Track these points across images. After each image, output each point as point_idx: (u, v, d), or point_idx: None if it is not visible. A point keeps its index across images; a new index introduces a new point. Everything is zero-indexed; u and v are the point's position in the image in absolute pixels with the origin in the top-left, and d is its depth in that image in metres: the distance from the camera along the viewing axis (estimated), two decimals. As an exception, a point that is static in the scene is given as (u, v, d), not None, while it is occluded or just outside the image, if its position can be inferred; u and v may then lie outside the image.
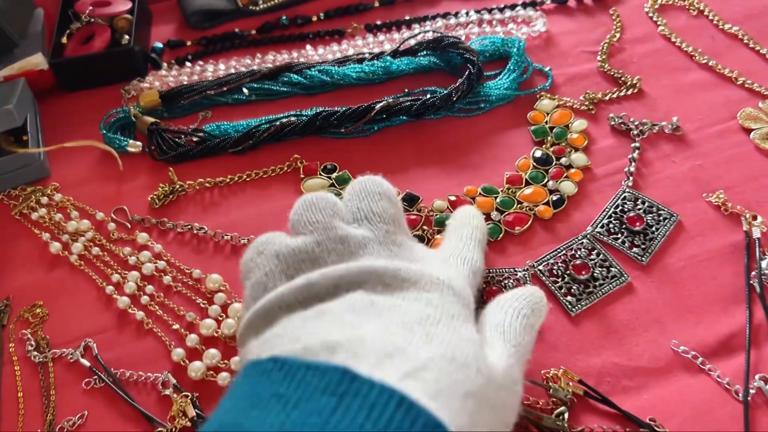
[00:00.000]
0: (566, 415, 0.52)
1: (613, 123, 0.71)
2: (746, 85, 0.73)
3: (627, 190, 0.65)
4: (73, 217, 0.69)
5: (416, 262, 0.41)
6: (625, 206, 0.64)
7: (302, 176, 0.71)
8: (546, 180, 0.67)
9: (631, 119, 0.71)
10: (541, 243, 0.63)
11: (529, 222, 0.64)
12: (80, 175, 0.74)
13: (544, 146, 0.70)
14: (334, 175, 0.70)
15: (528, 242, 0.63)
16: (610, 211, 0.64)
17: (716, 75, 0.75)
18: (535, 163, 0.69)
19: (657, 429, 0.51)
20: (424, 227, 0.65)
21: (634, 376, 0.54)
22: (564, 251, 0.61)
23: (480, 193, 0.67)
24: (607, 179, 0.67)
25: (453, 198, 0.66)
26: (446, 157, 0.71)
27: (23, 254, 0.68)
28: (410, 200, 0.67)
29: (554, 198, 0.66)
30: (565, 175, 0.67)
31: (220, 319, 0.60)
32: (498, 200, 0.66)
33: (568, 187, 0.66)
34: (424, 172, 0.70)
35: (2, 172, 0.71)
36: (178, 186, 0.70)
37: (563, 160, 0.68)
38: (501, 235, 0.63)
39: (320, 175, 0.70)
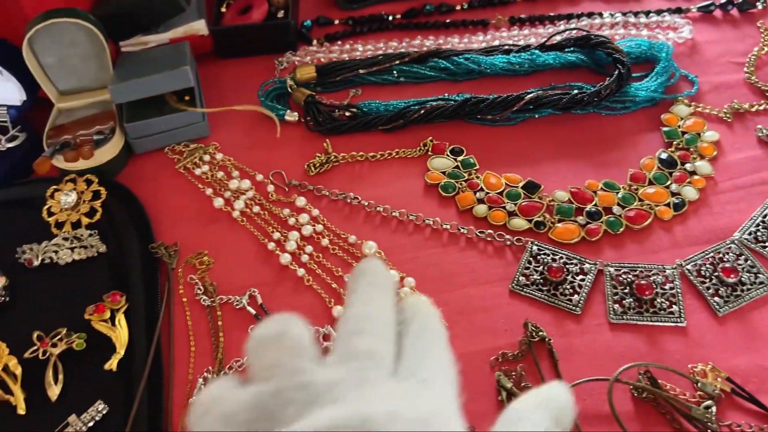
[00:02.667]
0: (714, 409, 0.54)
1: (760, 134, 0.72)
2: None
3: (776, 200, 0.66)
4: (234, 176, 0.73)
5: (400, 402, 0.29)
6: (776, 212, 0.65)
7: (429, 154, 0.74)
8: (669, 182, 0.69)
9: (780, 131, 0.72)
10: (659, 242, 0.65)
11: (649, 220, 0.66)
12: (237, 138, 0.79)
13: (670, 149, 0.72)
14: (460, 158, 0.73)
15: (645, 240, 0.65)
16: (758, 220, 0.65)
17: None
18: (659, 165, 0.70)
19: (805, 431, 0.52)
20: (545, 215, 0.67)
21: (782, 379, 0.56)
22: (712, 254, 0.63)
23: (601, 188, 0.69)
24: (740, 191, 0.68)
25: (574, 190, 0.69)
26: (573, 151, 0.73)
27: (188, 206, 0.73)
28: (531, 188, 0.69)
29: (675, 201, 0.67)
30: (688, 180, 0.69)
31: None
32: (619, 195, 0.68)
33: (690, 193, 0.68)
34: (550, 163, 0.73)
35: (169, 128, 0.76)
36: (332, 156, 0.74)
37: (687, 166, 0.70)
38: (621, 229, 0.65)
39: (447, 155, 0.74)
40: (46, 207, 0.71)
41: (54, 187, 0.72)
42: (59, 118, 0.78)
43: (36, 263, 0.68)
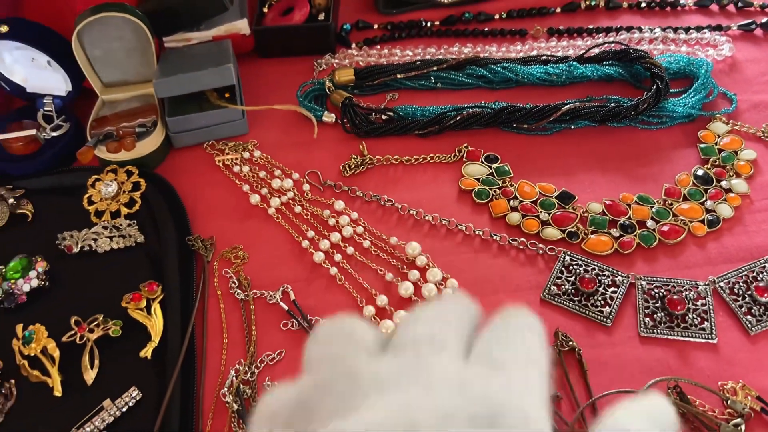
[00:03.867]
0: (743, 428, 0.54)
1: (797, 154, 0.72)
2: None
3: (814, 222, 0.66)
4: (276, 175, 0.74)
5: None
6: (810, 236, 0.65)
7: (464, 160, 0.75)
8: (704, 199, 0.69)
9: (819, 153, 0.71)
10: (692, 258, 0.65)
11: (683, 235, 0.66)
12: (275, 137, 0.80)
13: (706, 166, 0.72)
14: (494, 165, 0.74)
15: (678, 255, 0.65)
16: (795, 241, 0.65)
17: None
18: (695, 181, 0.70)
19: (836, 454, 0.52)
20: (579, 225, 0.67)
21: (812, 401, 0.55)
22: (746, 272, 0.63)
23: (635, 201, 0.69)
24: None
25: (608, 202, 0.69)
26: (608, 163, 0.74)
27: (224, 201, 0.74)
28: (565, 198, 0.70)
29: (710, 217, 0.67)
30: (723, 197, 0.69)
31: (419, 284, 0.64)
32: (654, 210, 0.68)
33: (725, 210, 0.68)
34: (585, 175, 0.73)
35: (208, 124, 0.78)
36: (367, 158, 0.75)
37: (723, 183, 0.70)
38: (654, 243, 0.66)
39: (482, 162, 0.74)
40: (87, 196, 0.73)
41: (95, 176, 0.74)
42: (102, 109, 0.80)
43: (75, 250, 0.69)
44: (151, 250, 0.70)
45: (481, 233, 0.68)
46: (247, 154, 0.77)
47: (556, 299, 0.63)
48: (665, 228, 0.66)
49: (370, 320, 0.63)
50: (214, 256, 0.69)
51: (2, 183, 0.75)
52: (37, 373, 0.61)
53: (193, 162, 0.78)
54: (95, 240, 0.70)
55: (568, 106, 0.75)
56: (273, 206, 0.72)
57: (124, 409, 0.58)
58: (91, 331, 0.62)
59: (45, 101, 0.79)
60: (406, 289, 0.64)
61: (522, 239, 0.67)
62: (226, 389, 0.59)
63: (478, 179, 0.73)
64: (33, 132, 0.76)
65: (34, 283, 0.66)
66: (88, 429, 0.57)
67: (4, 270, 0.67)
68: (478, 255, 0.67)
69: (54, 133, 0.77)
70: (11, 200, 0.73)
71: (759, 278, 0.62)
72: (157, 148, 0.76)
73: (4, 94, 0.82)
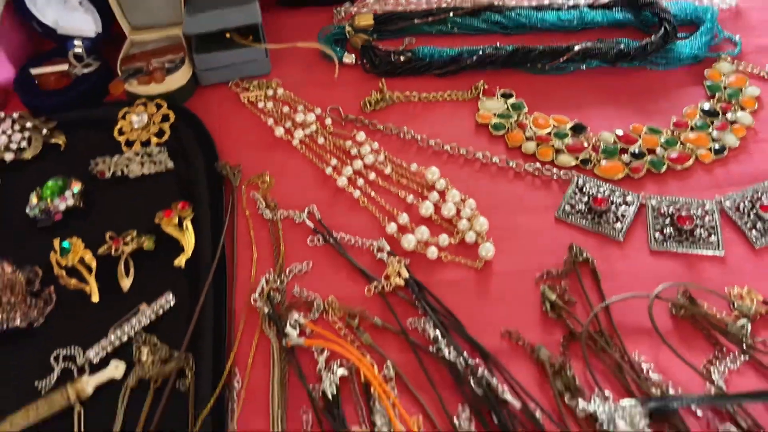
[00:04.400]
0: (749, 327, 0.57)
1: (800, 91, 0.75)
2: None
3: (816, 149, 0.69)
4: (299, 110, 0.77)
5: None
6: (812, 162, 0.68)
7: (481, 97, 0.78)
8: (711, 129, 0.72)
9: (820, 90, 0.75)
10: (700, 183, 0.68)
11: (690, 161, 0.69)
12: (297, 77, 0.83)
13: (712, 101, 0.75)
14: (510, 101, 0.77)
15: (688, 180, 0.69)
16: (798, 165, 0.68)
17: None
18: (702, 114, 0.74)
19: (837, 350, 0.55)
20: (591, 153, 0.71)
21: (814, 306, 0.58)
22: (751, 193, 0.66)
23: (645, 132, 0.72)
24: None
25: (620, 133, 0.72)
26: (619, 100, 0.77)
27: (250, 134, 0.77)
28: (578, 129, 0.73)
29: (716, 146, 0.70)
30: (729, 129, 0.72)
31: (439, 205, 0.67)
32: (663, 139, 0.71)
33: (730, 140, 0.71)
34: (597, 110, 0.76)
35: (233, 62, 0.81)
36: (387, 95, 0.78)
37: (729, 116, 0.73)
38: (664, 169, 0.69)
39: (498, 99, 0.77)
40: (118, 127, 0.76)
41: (126, 109, 0.77)
42: (131, 49, 0.83)
43: (108, 175, 0.72)
44: (181, 175, 0.72)
45: (497, 161, 0.71)
46: (270, 92, 0.80)
47: (569, 218, 0.66)
48: (674, 155, 0.70)
49: (393, 236, 0.66)
50: (242, 181, 0.72)
51: (36, 116, 0.77)
52: (75, 281, 0.63)
53: (219, 99, 0.81)
54: (127, 165, 0.72)
55: (580, 46, 0.78)
56: (297, 138, 0.75)
57: (160, 312, 0.61)
58: (126, 244, 0.65)
59: (75, 42, 0.82)
60: (426, 208, 0.67)
61: (537, 165, 0.70)
62: (257, 295, 0.62)
63: (494, 114, 0.76)
64: (65, 67, 0.79)
65: (70, 202, 0.69)
66: (125, 328, 0.59)
67: (40, 190, 0.69)
68: (495, 180, 0.71)
69: (85, 70, 0.80)
70: (44, 131, 0.76)
71: (763, 198, 0.65)
72: (185, 84, 0.79)
73: (37, 37, 0.85)
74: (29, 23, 0.83)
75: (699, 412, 0.53)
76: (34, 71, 0.79)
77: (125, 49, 0.82)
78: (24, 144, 0.75)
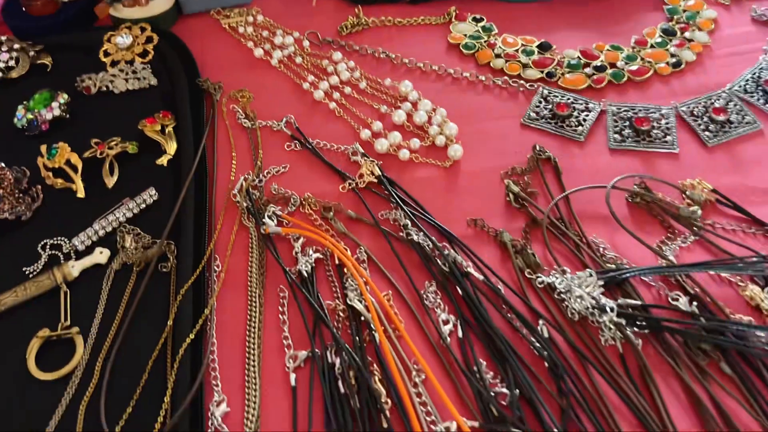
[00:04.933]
0: (699, 212, 0.61)
1: (754, 14, 0.79)
2: None
3: (764, 61, 0.73)
4: (278, 34, 0.81)
5: None
6: (763, 74, 0.72)
7: (453, 21, 0.81)
8: (669, 46, 0.76)
9: (773, 12, 0.79)
10: (658, 93, 0.72)
11: (649, 74, 0.73)
12: (277, 5, 0.86)
13: (671, 23, 0.79)
14: (480, 24, 0.80)
15: (647, 90, 0.73)
16: (748, 76, 0.72)
17: None
18: (661, 33, 0.78)
19: (779, 229, 0.59)
20: (556, 67, 0.75)
21: (759, 195, 0.62)
22: (705, 100, 0.70)
23: (607, 49, 0.76)
24: (734, 57, 0.75)
25: (582, 48, 0.76)
26: (584, 23, 0.81)
27: (230, 56, 0.80)
28: (544, 47, 0.77)
29: (674, 60, 0.74)
30: (686, 45, 0.76)
31: (411, 113, 0.70)
32: (624, 55, 0.75)
33: (687, 55, 0.75)
34: (564, 32, 0.81)
35: (215, -11, 0.84)
36: (363, 20, 0.81)
37: (686, 34, 0.77)
38: (624, 80, 0.73)
39: (469, 22, 0.81)
40: (103, 49, 0.79)
41: (110, 32, 0.80)
42: (116, -20, 0.85)
43: (93, 90, 0.75)
44: (164, 91, 0.75)
45: (468, 75, 0.75)
46: (251, 18, 0.83)
47: (535, 122, 0.70)
48: (634, 67, 0.73)
49: (367, 142, 0.69)
50: (222, 96, 0.75)
51: (24, 39, 0.80)
52: (61, 181, 0.66)
53: (202, 26, 0.84)
54: (112, 81, 0.75)
55: (547, -27, 0.81)
56: (276, 58, 0.78)
57: (143, 205, 0.64)
58: (111, 148, 0.68)
59: (61, -27, 0.84)
60: (398, 116, 0.70)
61: (505, 78, 0.74)
62: (236, 191, 0.65)
63: (465, 35, 0.79)
64: (52, -8, 0.82)
65: (56, 112, 0.71)
66: (110, 219, 0.62)
67: (28, 103, 0.72)
68: (465, 93, 0.74)
69: (71, -3, 0.83)
70: (32, 52, 0.78)
71: (716, 104, 0.69)
72: (169, 9, 0.82)
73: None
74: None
75: (651, 282, 0.57)
76: (22, -4, 0.82)
77: (110, -22, 0.84)
78: (12, 63, 0.77)
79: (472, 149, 0.68)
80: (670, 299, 0.55)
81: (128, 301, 0.58)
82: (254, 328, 0.56)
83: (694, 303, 0.54)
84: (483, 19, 0.81)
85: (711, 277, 0.57)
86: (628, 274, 0.56)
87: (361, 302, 0.56)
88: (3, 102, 0.75)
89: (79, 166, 0.67)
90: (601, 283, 0.55)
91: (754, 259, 0.56)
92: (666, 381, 0.51)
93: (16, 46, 0.78)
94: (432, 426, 0.49)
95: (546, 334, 0.53)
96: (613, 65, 0.74)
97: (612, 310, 0.53)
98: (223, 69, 0.78)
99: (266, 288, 0.59)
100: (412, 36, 0.81)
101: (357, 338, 0.54)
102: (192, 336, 0.54)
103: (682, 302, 0.54)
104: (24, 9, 0.82)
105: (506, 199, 0.64)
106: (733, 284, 0.56)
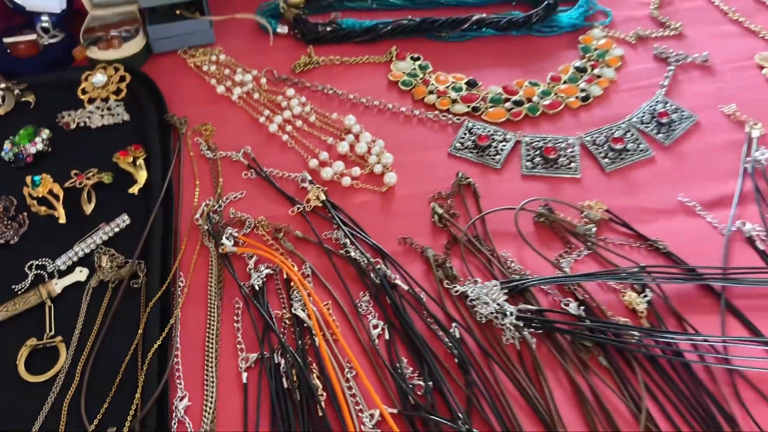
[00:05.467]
0: (594, 229, 0.71)
1: (656, 52, 0.91)
2: (766, 38, 0.92)
3: (660, 95, 0.84)
4: (238, 72, 0.91)
5: None
6: (657, 107, 0.83)
7: (393, 60, 0.92)
8: (580, 82, 0.87)
9: (671, 50, 0.90)
10: (569, 124, 0.83)
11: (561, 107, 0.84)
12: (237, 45, 0.96)
13: (583, 60, 0.90)
14: (417, 62, 0.91)
15: (558, 122, 0.84)
16: (645, 108, 0.83)
17: (744, 29, 0.94)
18: (574, 70, 0.89)
19: (659, 244, 0.70)
20: (481, 102, 0.85)
21: (648, 214, 0.73)
22: (606, 130, 0.81)
23: (526, 85, 0.87)
24: (636, 91, 0.87)
25: (504, 85, 0.87)
26: (508, 61, 0.92)
27: (195, 92, 0.90)
28: (472, 84, 0.88)
29: (583, 95, 0.85)
30: (595, 81, 0.87)
31: (353, 144, 0.81)
32: (540, 90, 0.86)
33: (595, 90, 0.86)
34: (490, 70, 0.91)
35: (182, 32, 0.94)
36: (314, 59, 0.92)
37: (596, 71, 0.88)
38: (539, 113, 0.84)
39: (408, 61, 0.91)
40: (81, 87, 0.88)
41: (88, 72, 0.89)
42: (91, 23, 0.95)
43: (72, 126, 0.85)
44: (136, 125, 0.85)
45: (404, 110, 0.86)
46: (214, 57, 0.93)
47: (459, 152, 0.80)
48: (547, 102, 0.84)
49: (314, 170, 0.79)
50: (188, 130, 0.85)
51: (9, 79, 0.89)
52: (45, 209, 0.76)
53: (170, 64, 0.94)
54: (89, 117, 0.85)
55: (476, 17, 0.92)
56: (236, 94, 0.88)
57: (117, 230, 0.74)
58: (88, 179, 0.78)
59: (42, 18, 0.94)
60: (342, 147, 0.81)
61: (436, 113, 0.85)
62: (198, 215, 0.75)
63: (404, 73, 0.90)
64: (34, 36, 0.91)
65: (40, 146, 0.81)
66: (88, 242, 0.72)
67: (13, 138, 0.81)
68: (402, 126, 0.85)
69: (51, 41, 0.92)
70: (17, 91, 0.88)
71: (615, 134, 0.80)
72: (140, 50, 0.91)
73: (8, 12, 0.96)
74: (2, 1, 0.94)
75: (548, 290, 0.67)
76: (7, 40, 0.91)
77: (86, 23, 0.94)
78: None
79: (405, 176, 0.78)
80: (562, 304, 0.66)
81: (104, 313, 0.67)
82: (213, 335, 0.66)
83: (582, 307, 0.65)
84: (420, 58, 0.91)
85: (598, 285, 0.68)
86: (528, 284, 0.67)
87: (304, 311, 0.66)
88: (-9, 137, 0.84)
89: (61, 195, 0.76)
90: (505, 291, 0.66)
91: (635, 269, 0.67)
92: (555, 373, 0.62)
93: (2, 85, 0.87)
94: (359, 413, 0.60)
95: (458, 335, 0.64)
96: (530, 100, 0.85)
97: (512, 314, 0.64)
98: (189, 104, 0.88)
99: (224, 300, 0.69)
100: (357, 73, 0.91)
101: (299, 342, 0.64)
102: (159, 342, 0.64)
103: (572, 307, 0.65)
104: (8, 51, 0.91)
105: (432, 220, 0.74)
106: (616, 291, 0.67)
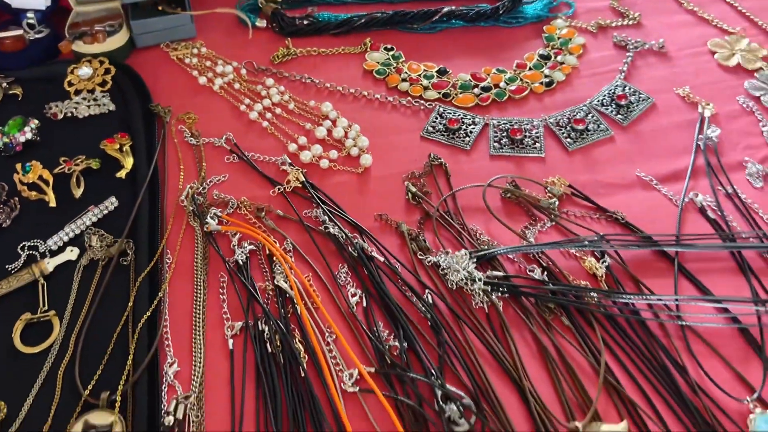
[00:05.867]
0: (556, 202, 0.76)
1: (615, 40, 0.96)
2: (718, 26, 0.98)
3: (619, 80, 0.90)
4: (219, 63, 0.95)
5: None
6: (616, 90, 0.88)
7: (368, 51, 0.96)
8: (544, 68, 0.92)
9: (629, 38, 0.96)
10: (534, 108, 0.88)
11: (526, 92, 0.90)
12: (218, 38, 1.00)
13: (547, 48, 0.95)
14: (391, 53, 0.96)
15: (524, 106, 0.89)
16: (605, 92, 0.88)
17: (698, 18, 1.00)
18: (538, 57, 0.94)
19: (618, 215, 0.75)
20: (451, 89, 0.90)
21: (608, 189, 0.78)
22: (569, 112, 0.86)
23: (494, 72, 0.92)
24: (596, 76, 0.92)
25: (473, 72, 0.92)
26: (477, 51, 0.97)
27: (178, 84, 0.94)
28: (442, 72, 0.92)
29: (547, 80, 0.91)
30: (558, 68, 0.92)
31: (331, 129, 0.85)
32: (506, 76, 0.91)
33: (558, 76, 0.92)
34: (459, 59, 0.96)
35: (164, 27, 0.97)
36: (292, 51, 0.96)
37: (559, 58, 0.94)
38: (505, 98, 0.89)
39: (381, 51, 0.96)
40: (67, 80, 0.92)
41: (73, 65, 0.93)
42: (76, 18, 0.98)
43: (60, 116, 0.88)
44: (121, 115, 0.88)
45: (379, 96, 0.90)
46: (196, 50, 0.97)
47: (431, 135, 0.85)
48: (513, 87, 0.89)
49: (294, 154, 0.83)
50: (171, 118, 0.89)
51: (-5, 73, 0.92)
52: (35, 194, 0.79)
53: (153, 58, 0.97)
54: (76, 108, 0.88)
55: (446, 9, 0.97)
56: (217, 84, 0.92)
57: (105, 212, 0.77)
58: (77, 165, 0.81)
59: (28, 15, 0.97)
60: (320, 132, 0.85)
61: (409, 99, 0.89)
62: (183, 197, 0.78)
63: (378, 63, 0.94)
64: (20, 32, 0.94)
65: (29, 135, 0.84)
66: (78, 224, 0.75)
67: (2, 127, 0.85)
68: (377, 111, 0.89)
69: (37, 36, 0.96)
70: (4, 84, 0.91)
71: (577, 116, 0.85)
72: (123, 44, 0.95)
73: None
74: (-13, -2, 0.98)
75: (514, 259, 0.72)
76: (-7, 36, 0.94)
77: (71, 18, 0.97)
78: (-13, 94, 0.90)
79: (380, 158, 0.82)
80: (527, 271, 0.70)
81: (96, 288, 0.71)
82: (199, 306, 0.69)
83: (545, 273, 0.70)
84: (393, 49, 0.96)
85: (561, 253, 0.73)
86: (496, 253, 0.71)
87: (285, 282, 0.70)
88: (-20, 128, 0.87)
89: (51, 180, 0.80)
90: (474, 260, 0.70)
91: (594, 238, 0.72)
92: (521, 333, 0.66)
93: (-10, 78, 0.91)
94: (339, 373, 0.64)
95: (430, 301, 0.68)
96: (497, 86, 0.90)
97: (480, 279, 0.68)
98: (172, 95, 0.92)
99: (209, 275, 0.73)
100: (333, 63, 0.96)
101: (282, 310, 0.68)
102: (149, 313, 0.68)
103: (536, 273, 0.70)
104: (-5, 46, 0.94)
105: (406, 198, 0.78)
106: (578, 258, 0.72)
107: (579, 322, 0.67)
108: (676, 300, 0.67)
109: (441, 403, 0.60)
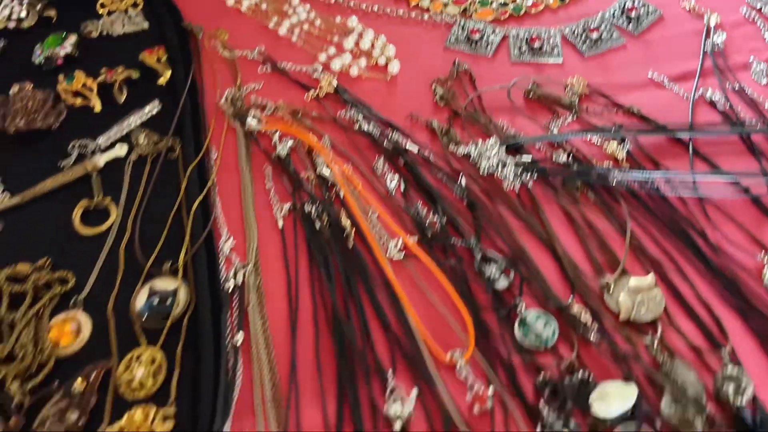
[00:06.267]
0: (577, 99, 0.81)
1: (623, -38, 1.01)
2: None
3: (630, -5, 0.95)
4: (245, -14, 0.99)
5: None
6: (627, 3, 0.93)
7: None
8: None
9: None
10: (549, 21, 0.93)
11: (542, 7, 0.94)
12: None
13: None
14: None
15: (540, 20, 0.94)
16: (617, 5, 0.93)
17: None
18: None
19: (634, 108, 0.80)
20: (471, 3, 0.95)
21: (622, 89, 0.83)
22: (583, 23, 0.91)
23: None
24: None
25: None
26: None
27: (207, 6, 0.97)
28: None
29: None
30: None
31: (358, 41, 0.89)
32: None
33: (572, -9, 0.97)
34: None
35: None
36: (315, -26, 1.00)
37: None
38: (522, 12, 0.93)
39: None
40: (100, 2, 0.95)
41: (105, -12, 0.96)
42: (104, -53, 1.01)
43: (95, 35, 0.91)
44: (155, 33, 0.92)
45: (402, 12, 0.94)
46: (223, -29, 1.01)
47: (454, 45, 0.90)
48: (530, 2, 0.94)
49: (325, 63, 0.87)
50: (203, 37, 0.92)
51: (29, -4, 0.95)
52: (80, 100, 0.82)
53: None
54: (111, 26, 0.92)
55: (462, -66, 1.01)
56: (245, 5, 0.96)
57: (150, 114, 0.81)
58: (118, 74, 0.85)
59: (55, -57, 1.00)
60: (348, 42, 0.89)
61: (431, 14, 0.94)
62: (223, 101, 0.82)
63: (398, -16, 0.99)
64: (52, -43, 0.97)
65: (69, 49, 0.87)
66: (125, 124, 0.79)
67: (42, 44, 0.88)
68: (400, 27, 0.93)
69: (67, -38, 0.99)
70: (38, 6, 0.94)
71: (591, 25, 0.90)
72: (153, -32, 0.98)
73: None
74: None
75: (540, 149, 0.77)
76: (26, -39, 0.97)
77: (99, -55, 1.00)
78: (23, 14, 0.93)
79: (407, 66, 0.87)
80: (553, 156, 0.75)
81: (147, 178, 0.75)
82: (247, 192, 0.74)
83: (570, 156, 0.75)
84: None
85: (583, 142, 0.78)
86: (524, 141, 0.76)
87: (327, 171, 0.74)
88: (19, 48, 0.91)
89: (94, 87, 0.83)
90: (504, 147, 0.75)
91: (613, 127, 0.77)
92: (550, 207, 0.71)
93: (26, 0, 0.94)
94: (384, 245, 0.68)
95: (464, 183, 0.73)
96: (513, 1, 0.94)
97: (511, 163, 0.73)
98: (201, 17, 0.95)
99: (253, 168, 0.77)
100: (355, -13, 1.00)
101: (327, 194, 0.73)
102: (201, 197, 0.72)
103: (562, 157, 0.75)
104: (27, -29, 0.97)
105: (434, 101, 0.83)
106: (599, 147, 0.77)
107: (603, 197, 0.72)
108: (693, 175, 0.72)
109: (481, 264, 0.65)
